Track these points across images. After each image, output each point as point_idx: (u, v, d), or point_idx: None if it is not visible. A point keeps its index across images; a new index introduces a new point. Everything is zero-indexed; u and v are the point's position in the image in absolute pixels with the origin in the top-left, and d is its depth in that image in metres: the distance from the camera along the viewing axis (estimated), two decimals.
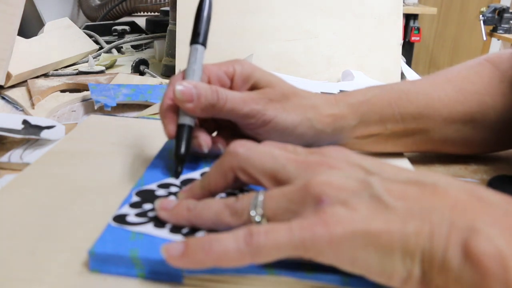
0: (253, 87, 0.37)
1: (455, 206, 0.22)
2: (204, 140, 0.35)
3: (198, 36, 0.36)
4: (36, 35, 0.76)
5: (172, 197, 0.30)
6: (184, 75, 0.36)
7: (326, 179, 0.24)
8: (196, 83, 0.34)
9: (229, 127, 0.38)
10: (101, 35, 0.98)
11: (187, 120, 0.34)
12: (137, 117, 0.53)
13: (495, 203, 0.22)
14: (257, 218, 0.24)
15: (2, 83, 0.61)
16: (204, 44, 0.37)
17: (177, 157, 0.34)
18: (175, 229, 0.27)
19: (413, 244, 0.21)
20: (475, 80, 0.42)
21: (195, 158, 0.37)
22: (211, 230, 0.26)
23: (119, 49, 0.93)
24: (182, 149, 0.33)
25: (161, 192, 0.31)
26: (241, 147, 0.27)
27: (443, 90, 0.41)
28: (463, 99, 0.41)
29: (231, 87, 0.37)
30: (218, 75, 0.36)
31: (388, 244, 0.21)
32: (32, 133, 0.44)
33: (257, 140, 0.37)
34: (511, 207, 0.22)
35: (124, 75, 0.70)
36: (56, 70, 0.75)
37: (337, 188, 0.23)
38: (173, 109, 0.35)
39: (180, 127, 0.34)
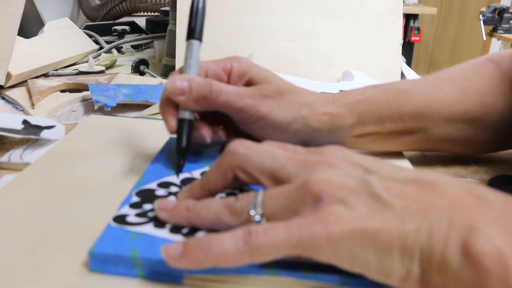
0: (249, 83, 0.37)
1: (454, 204, 0.22)
2: (206, 131, 0.36)
3: (193, 31, 0.37)
4: (36, 35, 0.76)
5: (172, 197, 0.30)
6: (181, 70, 0.36)
7: (325, 177, 0.24)
8: (190, 77, 0.35)
9: (230, 124, 0.38)
10: (101, 35, 0.98)
11: (186, 115, 0.35)
12: (137, 117, 0.53)
13: (495, 202, 0.22)
14: (257, 218, 0.24)
15: (2, 83, 0.61)
16: (199, 38, 0.37)
17: (179, 151, 0.34)
18: (175, 229, 0.27)
19: (412, 243, 0.21)
20: (476, 80, 0.42)
21: (195, 158, 0.37)
22: (211, 230, 0.26)
23: (119, 49, 0.93)
24: (183, 143, 0.34)
25: (161, 192, 0.31)
26: (241, 146, 0.27)
27: (443, 90, 0.41)
28: (463, 98, 0.41)
29: (228, 83, 0.37)
30: (216, 71, 0.37)
31: (386, 242, 0.21)
32: (32, 133, 0.44)
33: (253, 137, 0.37)
34: (510, 206, 0.22)
35: (124, 75, 0.70)
36: (56, 70, 0.75)
37: (336, 186, 0.23)
38: (172, 104, 0.35)
39: (180, 121, 0.35)
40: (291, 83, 0.38)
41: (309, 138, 0.38)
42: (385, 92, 0.40)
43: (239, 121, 0.37)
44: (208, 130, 0.36)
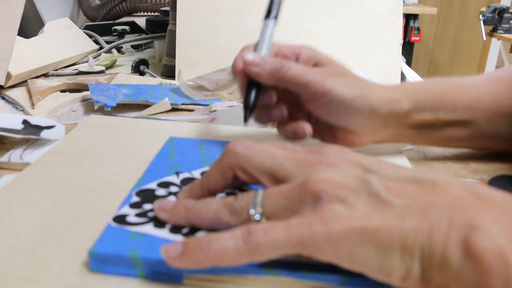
0: (315, 66, 0.40)
1: (454, 203, 0.22)
2: (274, 94, 0.39)
3: (271, 12, 0.40)
4: (36, 35, 0.76)
5: (172, 197, 0.30)
6: (255, 47, 0.39)
7: (325, 177, 0.24)
8: (263, 56, 0.38)
9: (295, 106, 0.41)
10: (101, 35, 0.98)
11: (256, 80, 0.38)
12: (137, 117, 0.53)
13: (495, 201, 0.22)
14: (257, 217, 0.24)
15: (2, 83, 0.61)
16: (276, 17, 0.40)
17: (246, 108, 0.37)
18: (175, 229, 0.27)
19: (412, 242, 0.21)
20: None
21: (194, 157, 0.37)
22: (211, 229, 0.26)
23: (119, 49, 0.93)
24: (251, 100, 0.37)
25: (161, 192, 0.31)
26: (240, 146, 0.27)
27: (494, 85, 0.43)
28: None
29: None
30: (286, 53, 0.39)
31: (386, 241, 0.21)
32: (32, 133, 0.44)
33: (317, 117, 0.40)
34: (510, 205, 0.21)
35: (124, 75, 0.70)
36: (56, 70, 0.75)
37: (336, 185, 0.23)
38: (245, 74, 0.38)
39: (250, 81, 0.38)
40: (351, 70, 0.41)
41: (367, 120, 0.39)
42: (440, 83, 0.42)
43: (305, 97, 0.39)
44: (276, 94, 0.39)
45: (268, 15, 0.40)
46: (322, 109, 0.39)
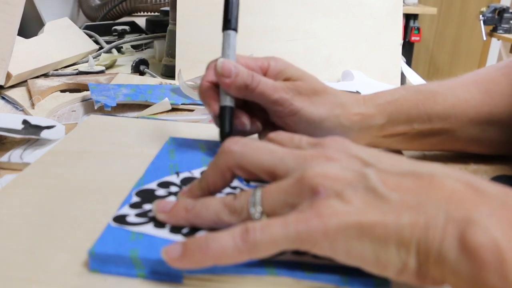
0: (286, 80, 0.38)
1: (451, 197, 0.22)
2: (246, 119, 0.38)
3: (230, 22, 0.38)
4: (36, 35, 0.76)
5: (171, 197, 0.30)
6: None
7: (322, 171, 0.24)
8: (236, 64, 0.36)
9: (265, 119, 0.40)
10: (101, 35, 0.98)
11: (227, 102, 0.36)
12: (137, 117, 0.53)
13: (492, 195, 0.22)
14: (257, 216, 0.24)
15: (2, 83, 0.61)
16: (235, 29, 0.38)
17: (222, 136, 0.36)
18: (175, 229, 0.27)
19: (408, 236, 0.21)
20: (502, 82, 0.42)
21: (194, 157, 0.37)
22: (211, 228, 0.26)
23: (119, 49, 0.93)
24: (227, 128, 0.36)
25: (161, 192, 0.31)
26: (235, 145, 0.27)
27: (469, 92, 0.42)
28: (489, 100, 0.41)
29: None
30: (253, 67, 0.38)
31: (382, 235, 0.21)
32: (32, 133, 0.44)
33: (287, 130, 0.38)
34: (508, 199, 0.21)
35: (124, 75, 0.70)
36: (56, 70, 0.75)
37: (333, 179, 0.23)
38: (213, 90, 0.37)
39: (222, 108, 0.36)
40: (324, 83, 0.40)
41: (341, 136, 0.39)
42: (414, 93, 0.41)
43: (274, 114, 0.38)
44: (248, 117, 0.38)
45: (226, 25, 0.38)
46: (291, 126, 0.38)
